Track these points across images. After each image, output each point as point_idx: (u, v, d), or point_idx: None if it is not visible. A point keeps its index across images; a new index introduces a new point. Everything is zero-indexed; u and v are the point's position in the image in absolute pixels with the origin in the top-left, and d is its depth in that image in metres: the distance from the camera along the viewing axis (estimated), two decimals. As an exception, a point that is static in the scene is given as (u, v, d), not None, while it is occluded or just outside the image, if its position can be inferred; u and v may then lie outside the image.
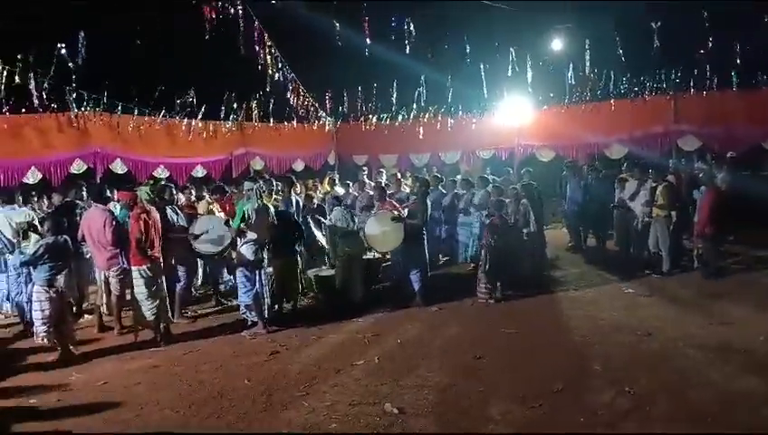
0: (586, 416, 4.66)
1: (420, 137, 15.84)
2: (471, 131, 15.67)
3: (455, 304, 8.38)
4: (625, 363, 5.83)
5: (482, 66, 14.16)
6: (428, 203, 8.95)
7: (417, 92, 15.56)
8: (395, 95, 15.76)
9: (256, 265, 7.30)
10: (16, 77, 9.99)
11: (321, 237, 9.43)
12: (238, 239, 7.30)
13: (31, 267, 6.62)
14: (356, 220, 8.90)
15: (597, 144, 14.50)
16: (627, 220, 10.42)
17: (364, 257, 8.89)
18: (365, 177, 13.20)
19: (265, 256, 7.53)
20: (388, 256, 9.62)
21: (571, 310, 7.84)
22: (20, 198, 9.18)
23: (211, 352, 6.77)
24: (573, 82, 14.17)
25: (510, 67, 13.73)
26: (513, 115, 14.95)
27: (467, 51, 13.30)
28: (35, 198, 10.53)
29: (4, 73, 9.72)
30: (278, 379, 5.83)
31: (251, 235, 7.24)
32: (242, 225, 7.24)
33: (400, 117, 16.25)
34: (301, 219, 9.37)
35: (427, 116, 15.99)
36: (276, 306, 8.00)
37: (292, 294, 8.28)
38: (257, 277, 7.34)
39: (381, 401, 5.10)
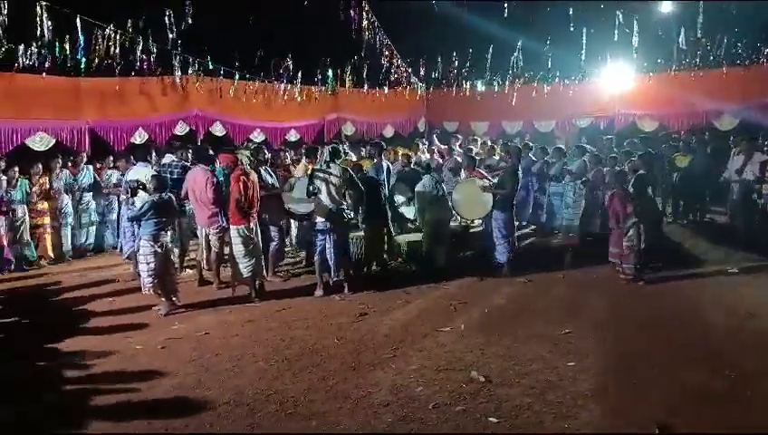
0: (680, 397, 4.48)
1: (513, 104, 15.44)
2: (568, 99, 15.12)
3: (544, 276, 8.22)
4: (726, 345, 5.53)
5: (584, 30, 13.49)
6: (519, 172, 8.76)
7: (512, 58, 15.10)
8: (489, 61, 15.37)
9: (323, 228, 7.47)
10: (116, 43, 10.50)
11: (402, 205, 9.45)
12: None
13: (137, 223, 7.08)
14: (443, 187, 8.85)
15: (705, 114, 13.61)
16: (743, 195, 9.69)
17: (452, 224, 8.86)
18: (457, 144, 13.06)
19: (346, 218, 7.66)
20: (476, 224, 9.54)
21: (670, 286, 7.51)
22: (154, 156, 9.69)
23: (302, 311, 7.02)
24: (683, 47, 13.27)
25: (615, 31, 13.01)
26: (614, 82, 14.26)
27: (570, 14, 12.70)
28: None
29: (116, 38, 10.24)
30: (366, 340, 5.97)
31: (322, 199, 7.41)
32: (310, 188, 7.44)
33: (495, 84, 15.87)
34: (390, 185, 9.45)
35: (521, 82, 15.53)
36: (365, 269, 8.15)
37: (380, 258, 8.40)
38: (325, 241, 7.49)
39: (467, 368, 5.12)
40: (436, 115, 17.64)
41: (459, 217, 8.98)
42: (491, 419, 4.22)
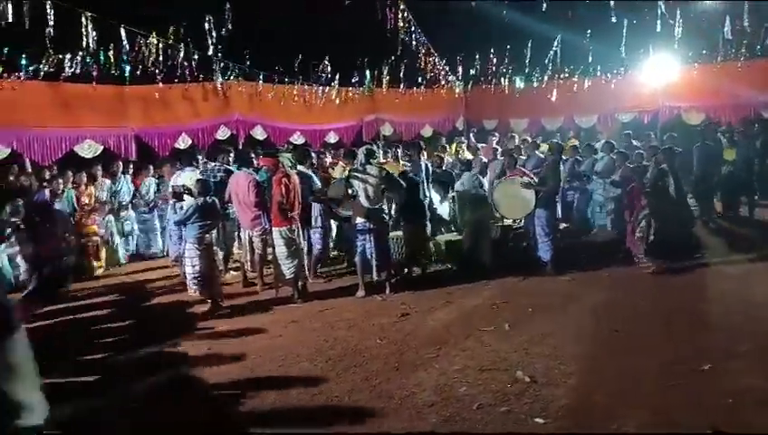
0: (730, 399, 4.33)
1: (553, 99, 15.20)
2: (609, 93, 14.78)
3: (588, 275, 8.08)
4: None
5: (625, 22, 13.18)
6: (561, 170, 8.63)
7: (552, 53, 14.86)
8: (528, 56, 15.17)
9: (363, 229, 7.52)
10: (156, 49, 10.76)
11: (439, 204, 9.42)
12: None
13: (183, 226, 7.25)
14: (484, 186, 8.79)
15: (754, 106, 13.15)
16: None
17: (493, 224, 8.79)
18: (494, 142, 12.96)
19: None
20: (518, 223, 9.44)
21: (719, 284, 7.29)
22: (201, 161, 9.84)
23: (344, 311, 7.06)
24: (729, 37, 12.83)
25: (658, 22, 12.68)
26: (657, 74, 13.89)
27: (611, 5, 12.42)
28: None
29: (159, 46, 10.50)
30: (408, 340, 5.97)
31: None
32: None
33: (534, 80, 15.66)
34: (429, 184, 9.43)
35: (561, 77, 15.28)
36: (406, 270, 8.16)
37: (421, 259, 8.40)
38: (365, 241, 7.51)
39: (512, 368, 5.06)
40: (474, 113, 17.50)
41: (501, 216, 8.89)
42: (537, 419, 4.16)
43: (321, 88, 14.01)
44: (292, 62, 13.25)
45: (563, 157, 10.86)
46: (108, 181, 10.62)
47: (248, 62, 12.38)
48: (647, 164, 8.83)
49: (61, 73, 9.98)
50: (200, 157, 10.63)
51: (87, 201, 9.99)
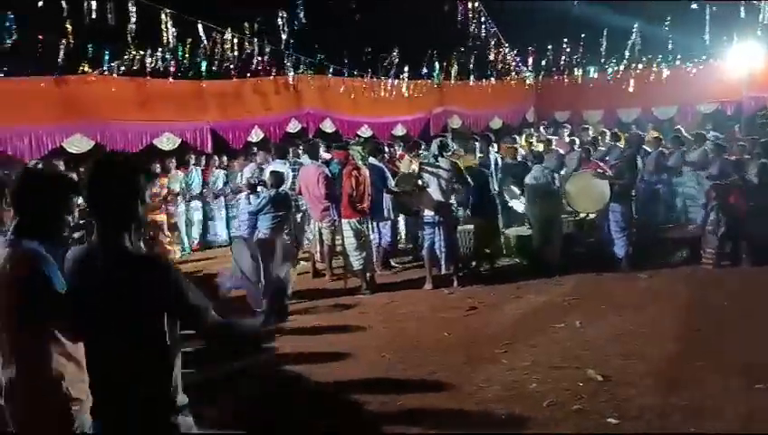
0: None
1: (630, 90, 14.64)
2: (689, 83, 14.13)
3: (666, 272, 7.77)
4: None
5: (707, 8, 12.53)
6: (639, 162, 8.31)
7: (629, 41, 14.29)
8: (604, 45, 14.66)
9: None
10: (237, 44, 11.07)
11: (511, 198, 9.26)
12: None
13: (256, 217, 7.43)
14: (556, 179, 8.57)
15: None
16: None
17: (565, 218, 8.58)
18: (566, 134, 12.63)
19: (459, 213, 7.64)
20: (591, 217, 9.16)
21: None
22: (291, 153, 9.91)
23: (411, 304, 7.07)
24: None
25: (742, 8, 11.99)
26: (741, 63, 13.14)
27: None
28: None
29: (234, 41, 10.81)
30: (477, 334, 5.92)
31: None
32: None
33: (609, 70, 15.13)
34: (499, 178, 9.29)
35: (638, 67, 14.69)
36: (474, 263, 8.09)
37: (489, 253, 8.30)
38: (434, 234, 7.47)
39: (583, 366, 4.93)
40: (545, 105, 17.10)
41: (574, 210, 8.66)
42: (610, 419, 4.04)
43: (389, 80, 14.04)
44: (361, 54, 13.34)
45: (647, 149, 10.48)
46: (180, 173, 11.03)
47: (319, 56, 12.55)
48: (747, 157, 8.37)
49: (142, 69, 10.43)
50: (255, 150, 10.83)
51: (159, 191, 10.44)
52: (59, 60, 9.60)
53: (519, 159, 9.67)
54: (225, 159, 11.78)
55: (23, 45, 9.14)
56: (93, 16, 8.67)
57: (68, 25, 8.98)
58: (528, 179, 8.30)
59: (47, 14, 9.03)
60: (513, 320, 6.31)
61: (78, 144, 10.22)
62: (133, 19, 9.30)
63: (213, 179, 11.39)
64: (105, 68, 10.31)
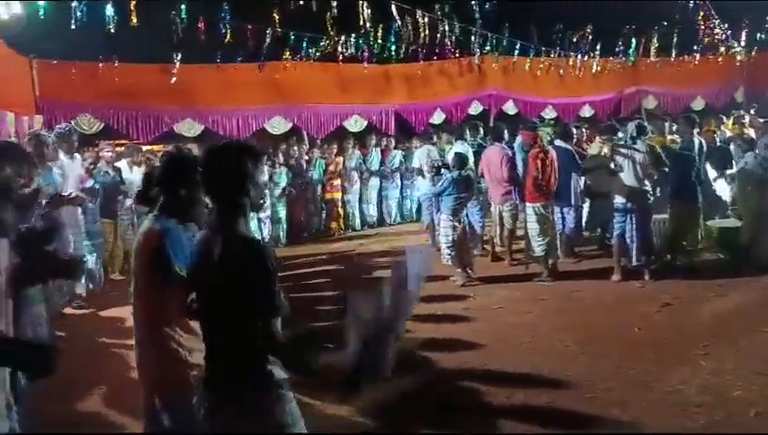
0: None
1: None
2: None
3: None
4: None
5: None
6: None
7: None
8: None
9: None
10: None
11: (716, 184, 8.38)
12: None
13: (439, 198, 7.55)
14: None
15: None
16: None
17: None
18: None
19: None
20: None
21: None
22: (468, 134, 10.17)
23: (597, 294, 6.74)
24: None
25: None
26: None
27: None
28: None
29: (424, 22, 11.02)
30: (671, 332, 5.49)
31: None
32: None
33: None
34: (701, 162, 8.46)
35: None
36: (669, 256, 7.49)
37: (688, 244, 7.63)
38: (625, 223, 7.00)
39: (800, 375, 4.38)
40: (758, 83, 15.15)
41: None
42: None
43: (578, 58, 13.37)
44: (551, 31, 12.84)
45: None
46: (358, 152, 11.51)
47: (506, 33, 12.33)
48: None
49: (336, 54, 11.06)
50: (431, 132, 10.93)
51: (333, 169, 11.03)
52: (263, 48, 10.53)
53: (718, 142, 8.71)
54: (404, 140, 12.14)
55: (233, 35, 10.15)
56: (296, 5, 9.31)
57: (275, 15, 9.79)
58: (740, 166, 7.46)
59: (256, 6, 9.94)
60: (713, 319, 5.75)
61: (277, 126, 11.18)
62: (334, 4, 9.85)
63: (390, 160, 11.76)
64: (303, 54, 11.08)
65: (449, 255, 7.30)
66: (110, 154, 8.28)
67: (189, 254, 2.38)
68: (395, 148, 11.93)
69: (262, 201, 2.32)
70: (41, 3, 7.94)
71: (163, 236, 2.51)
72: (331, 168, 11.16)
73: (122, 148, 9.72)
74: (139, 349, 2.68)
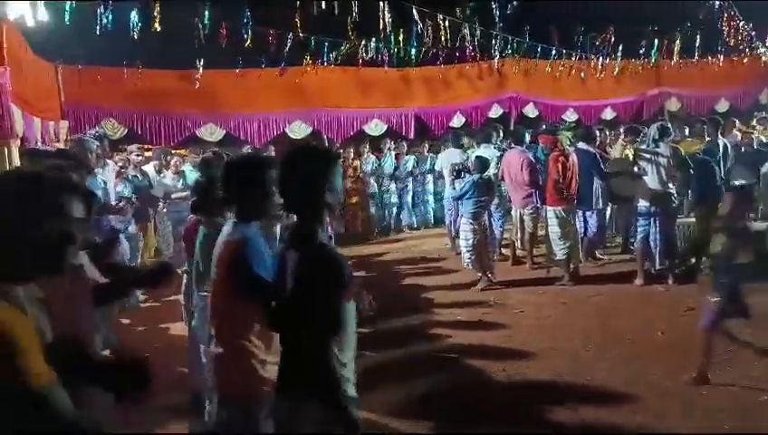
0: None
1: None
2: None
3: None
4: None
5: None
6: None
7: None
8: None
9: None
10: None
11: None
12: None
13: (459, 201, 7.53)
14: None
15: None
16: None
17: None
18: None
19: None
20: None
21: None
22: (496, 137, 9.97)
23: (619, 299, 6.67)
24: None
25: None
26: None
27: None
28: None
29: (445, 26, 11.02)
30: (696, 337, 5.39)
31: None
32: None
33: None
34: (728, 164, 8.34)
35: None
36: (693, 260, 7.37)
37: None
38: (649, 226, 6.92)
39: (832, 385, 4.28)
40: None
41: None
42: None
43: (599, 60, 13.25)
44: (572, 33, 12.74)
45: None
46: (373, 157, 11.52)
47: (527, 36, 12.27)
48: None
49: (356, 58, 11.11)
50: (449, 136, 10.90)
51: (351, 173, 11.06)
52: (284, 53, 10.61)
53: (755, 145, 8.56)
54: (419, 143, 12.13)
55: (255, 41, 10.24)
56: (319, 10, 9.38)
57: (296, 20, 9.86)
58: (766, 169, 7.35)
59: (278, 12, 10.03)
60: (737, 326, 5.63)
61: (297, 130, 11.25)
62: (355, 8, 9.90)
63: (403, 164, 11.75)
64: (324, 59, 11.14)
65: (469, 259, 7.28)
66: (139, 158, 8.35)
67: (269, 264, 2.36)
68: (407, 153, 11.88)
69: (338, 204, 2.34)
70: (67, 9, 8.08)
71: (244, 245, 2.43)
72: (349, 172, 11.20)
73: (150, 152, 9.79)
74: (214, 358, 2.61)
